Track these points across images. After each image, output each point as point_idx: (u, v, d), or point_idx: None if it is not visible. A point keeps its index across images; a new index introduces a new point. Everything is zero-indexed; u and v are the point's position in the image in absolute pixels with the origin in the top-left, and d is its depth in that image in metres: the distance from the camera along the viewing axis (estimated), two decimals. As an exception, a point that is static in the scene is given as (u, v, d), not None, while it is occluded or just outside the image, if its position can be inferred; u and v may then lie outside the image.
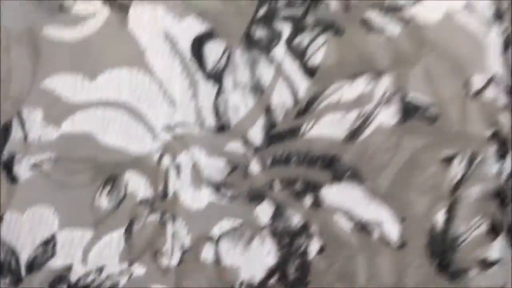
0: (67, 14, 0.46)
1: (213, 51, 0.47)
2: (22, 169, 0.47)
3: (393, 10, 0.47)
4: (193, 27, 0.47)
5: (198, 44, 0.47)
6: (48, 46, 0.46)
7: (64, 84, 0.47)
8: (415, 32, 0.47)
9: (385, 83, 0.47)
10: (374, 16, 0.48)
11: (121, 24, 0.47)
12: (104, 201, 0.47)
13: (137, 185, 0.47)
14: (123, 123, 0.47)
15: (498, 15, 0.49)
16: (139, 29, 0.47)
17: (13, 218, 0.47)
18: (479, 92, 0.47)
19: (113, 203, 0.47)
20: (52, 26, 0.46)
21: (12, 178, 0.47)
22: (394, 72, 0.47)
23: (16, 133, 0.47)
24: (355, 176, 0.48)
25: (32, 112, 0.47)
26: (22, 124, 0.47)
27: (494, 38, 0.48)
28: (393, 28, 0.47)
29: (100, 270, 0.47)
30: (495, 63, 0.48)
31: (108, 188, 0.47)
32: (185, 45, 0.47)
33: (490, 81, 0.48)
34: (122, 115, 0.47)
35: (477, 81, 0.48)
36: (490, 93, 0.48)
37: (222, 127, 0.48)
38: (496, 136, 0.48)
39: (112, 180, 0.47)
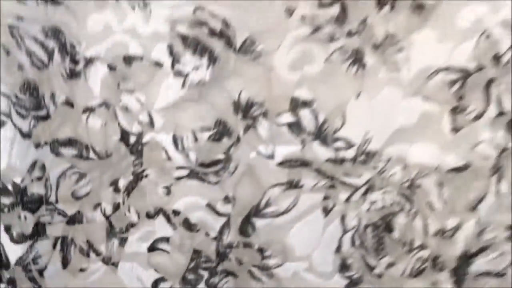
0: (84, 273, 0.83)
1: (162, 290, 0.83)
2: None
3: (266, 269, 0.81)
4: (153, 274, 0.83)
5: (155, 284, 0.83)
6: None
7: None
8: (278, 282, 0.81)
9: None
10: (255, 270, 0.81)
11: (113, 272, 0.83)
12: None
13: None
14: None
15: (343, 267, 0.79)
16: (122, 274, 0.83)
17: None
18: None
19: None
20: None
21: None
22: (265, 302, 0.82)
23: None
24: None
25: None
26: None
27: (335, 282, 0.80)
28: (265, 279, 0.81)
29: None
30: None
31: None
32: (148, 284, 0.84)
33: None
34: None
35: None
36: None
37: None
38: None
39: None
